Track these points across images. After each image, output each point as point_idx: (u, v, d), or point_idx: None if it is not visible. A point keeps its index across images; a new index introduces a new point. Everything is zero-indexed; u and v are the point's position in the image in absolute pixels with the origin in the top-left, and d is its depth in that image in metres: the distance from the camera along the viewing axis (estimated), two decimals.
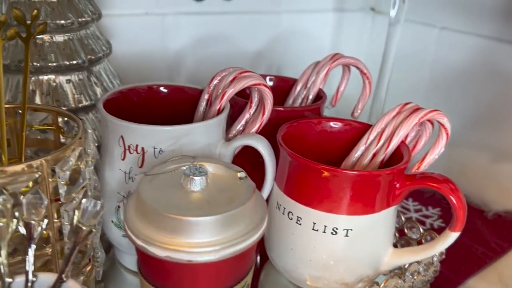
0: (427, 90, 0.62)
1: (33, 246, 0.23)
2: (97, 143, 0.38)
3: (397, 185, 0.30)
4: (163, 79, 0.58)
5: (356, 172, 0.29)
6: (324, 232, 0.30)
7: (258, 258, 0.41)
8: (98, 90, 0.40)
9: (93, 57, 0.39)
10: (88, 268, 0.30)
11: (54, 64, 0.37)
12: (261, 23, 0.63)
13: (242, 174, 0.27)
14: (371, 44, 0.71)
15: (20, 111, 0.31)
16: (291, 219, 0.31)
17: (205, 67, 0.60)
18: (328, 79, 0.42)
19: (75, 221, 0.23)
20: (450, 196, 0.29)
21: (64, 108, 0.38)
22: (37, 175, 0.24)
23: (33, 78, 0.37)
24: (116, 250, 0.36)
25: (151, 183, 0.26)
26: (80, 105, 0.38)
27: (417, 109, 0.34)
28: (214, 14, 0.58)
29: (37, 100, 0.37)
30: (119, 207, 0.32)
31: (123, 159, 0.31)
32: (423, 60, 0.62)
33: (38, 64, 0.36)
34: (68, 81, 0.38)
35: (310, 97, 0.41)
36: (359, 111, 0.41)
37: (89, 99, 0.39)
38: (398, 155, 0.33)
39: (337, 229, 0.30)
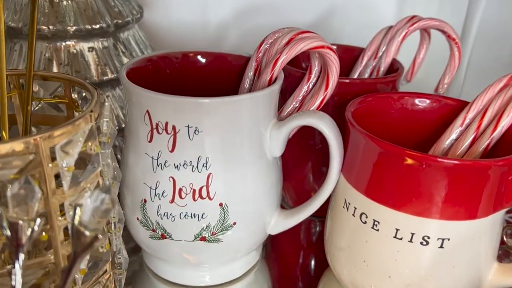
0: (508, 65, 0.53)
1: (22, 256, 0.17)
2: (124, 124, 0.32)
3: None
4: None
5: (457, 162, 0.21)
6: (410, 241, 0.23)
7: (313, 262, 0.34)
8: (126, 61, 0.34)
9: (120, 21, 0.33)
10: (107, 276, 0.24)
11: (74, 28, 0.31)
12: None
13: None
14: (440, 14, 0.61)
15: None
16: (365, 222, 0.24)
17: (249, 41, 0.53)
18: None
19: (76, 223, 0.17)
20: None
21: (87, 82, 0.32)
22: (31, 157, 0.18)
23: (49, 45, 0.31)
24: (143, 251, 0.30)
25: None
26: (104, 78, 0.32)
27: None
28: None
29: (54, 70, 0.31)
30: (145, 201, 0.25)
31: (149, 141, 0.24)
32: (506, 32, 0.52)
33: (55, 28, 0.30)
34: (91, 49, 0.32)
35: (382, 69, 0.33)
36: (445, 86, 0.33)
37: (116, 71, 0.33)
38: (507, 141, 0.25)
39: (428, 238, 0.22)
